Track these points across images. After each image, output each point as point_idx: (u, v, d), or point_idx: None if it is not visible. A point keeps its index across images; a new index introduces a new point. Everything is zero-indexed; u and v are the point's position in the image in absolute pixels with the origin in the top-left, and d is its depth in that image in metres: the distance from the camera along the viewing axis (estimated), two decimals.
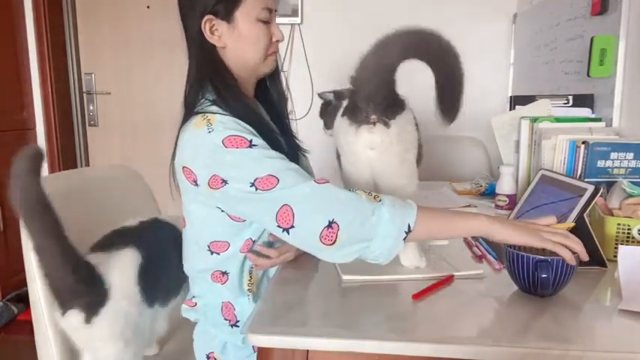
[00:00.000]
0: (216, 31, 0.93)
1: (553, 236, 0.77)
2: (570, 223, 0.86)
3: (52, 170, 2.90)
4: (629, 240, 0.94)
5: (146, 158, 3.01)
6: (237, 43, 0.95)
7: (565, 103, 1.48)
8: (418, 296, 0.79)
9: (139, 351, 0.95)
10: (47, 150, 2.90)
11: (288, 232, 0.81)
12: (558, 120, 1.34)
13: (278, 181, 0.81)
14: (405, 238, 0.79)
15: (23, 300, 2.53)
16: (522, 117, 1.41)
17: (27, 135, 2.82)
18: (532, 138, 1.37)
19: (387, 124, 0.87)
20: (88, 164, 3.10)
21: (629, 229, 0.94)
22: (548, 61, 1.94)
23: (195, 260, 1.01)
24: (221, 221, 0.93)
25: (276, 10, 0.99)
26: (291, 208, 0.80)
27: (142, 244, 0.97)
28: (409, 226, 0.79)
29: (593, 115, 1.44)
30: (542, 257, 0.75)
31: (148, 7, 2.90)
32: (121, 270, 0.92)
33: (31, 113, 2.85)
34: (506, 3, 2.48)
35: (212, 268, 0.98)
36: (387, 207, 0.79)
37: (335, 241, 0.78)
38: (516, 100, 1.57)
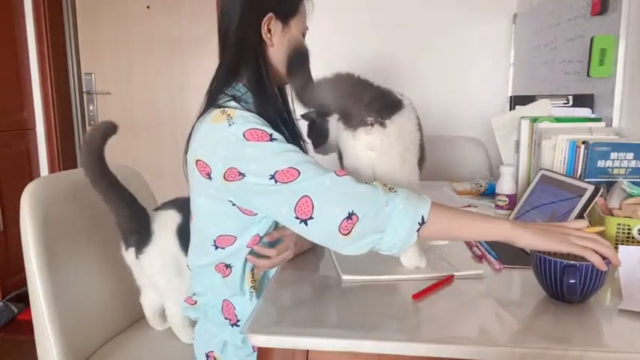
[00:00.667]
0: (271, 30, 0.99)
1: (582, 241, 0.75)
2: (600, 227, 0.84)
3: (52, 170, 2.91)
4: (629, 240, 0.94)
5: (146, 158, 3.01)
6: (284, 46, 1.01)
7: (565, 103, 1.48)
8: (418, 296, 0.79)
9: (182, 288, 1.14)
10: (47, 150, 2.90)
11: (306, 224, 0.82)
12: (558, 120, 1.35)
13: (299, 173, 0.82)
14: (418, 230, 0.79)
15: (23, 300, 2.53)
16: (522, 117, 1.41)
17: (27, 135, 2.82)
18: (532, 138, 1.37)
19: (383, 125, 0.87)
20: None
21: (629, 229, 0.94)
22: (548, 61, 1.94)
23: (198, 255, 1.01)
24: (231, 215, 0.93)
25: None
26: (311, 200, 0.81)
27: (184, 209, 1.17)
28: (423, 217, 0.79)
29: (593, 115, 1.44)
30: (570, 262, 0.73)
31: (148, 7, 2.90)
32: (165, 224, 1.16)
33: (31, 113, 2.85)
34: (506, 3, 2.48)
35: (216, 261, 0.99)
36: (401, 198, 0.79)
37: (351, 231, 0.79)
38: (516, 100, 1.57)
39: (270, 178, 0.83)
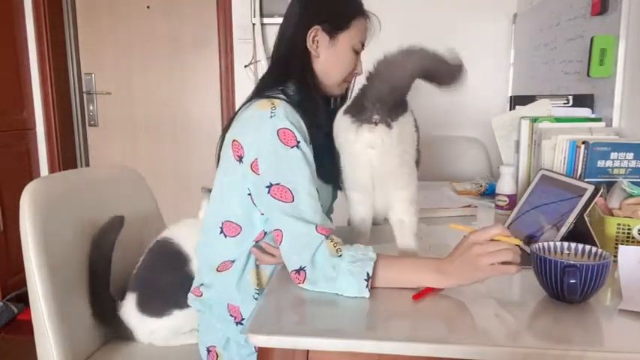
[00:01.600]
0: (317, 42, 1.02)
1: (493, 258, 0.76)
2: (517, 240, 0.79)
3: (52, 170, 2.90)
4: (629, 240, 0.94)
5: (146, 158, 3.01)
6: (329, 58, 1.03)
7: (565, 103, 1.48)
8: (418, 296, 0.79)
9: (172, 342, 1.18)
10: (47, 150, 2.90)
11: (279, 248, 0.89)
12: (558, 120, 1.35)
13: (293, 199, 0.87)
14: (367, 286, 0.80)
15: (23, 300, 2.53)
16: (522, 117, 1.41)
17: (27, 135, 2.82)
18: (532, 138, 1.37)
19: (389, 125, 0.88)
20: (88, 164, 3.10)
21: (629, 229, 0.94)
22: (548, 61, 1.94)
23: (207, 237, 1.03)
24: (244, 204, 0.96)
25: (363, 47, 1.07)
26: (282, 235, 0.88)
27: (138, 286, 1.17)
28: (367, 283, 0.79)
29: (593, 115, 1.44)
30: (570, 262, 0.74)
31: (148, 7, 2.90)
32: (129, 311, 1.16)
33: (31, 113, 2.85)
34: (506, 3, 2.48)
35: (221, 255, 1.00)
36: (346, 262, 0.81)
37: (303, 282, 0.84)
38: (516, 100, 1.57)
39: (267, 187, 0.88)
